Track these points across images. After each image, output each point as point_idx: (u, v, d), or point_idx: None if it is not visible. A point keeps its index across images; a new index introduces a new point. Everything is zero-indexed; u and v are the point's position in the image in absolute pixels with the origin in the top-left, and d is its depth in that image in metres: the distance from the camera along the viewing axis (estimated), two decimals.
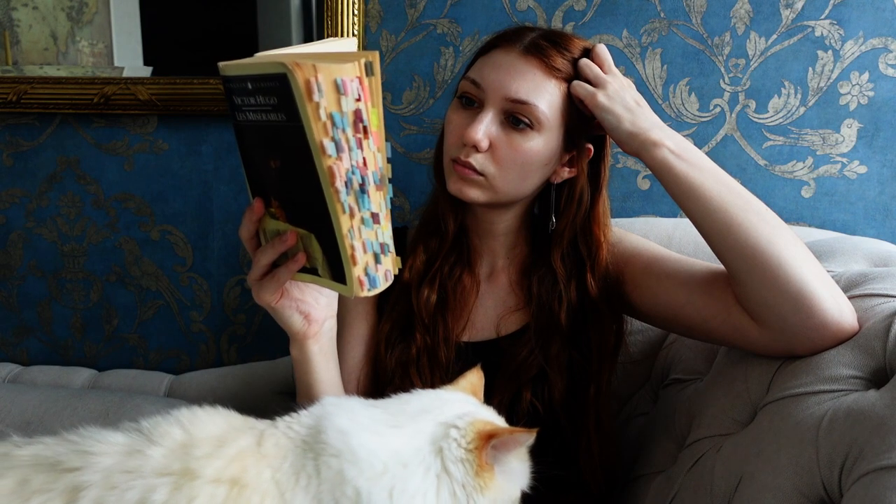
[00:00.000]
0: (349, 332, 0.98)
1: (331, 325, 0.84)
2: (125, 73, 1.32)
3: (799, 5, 1.15)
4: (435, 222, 0.96)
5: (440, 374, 0.92)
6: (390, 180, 0.67)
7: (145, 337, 1.43)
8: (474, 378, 0.76)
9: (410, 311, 0.94)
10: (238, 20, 1.31)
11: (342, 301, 1.00)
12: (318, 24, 1.25)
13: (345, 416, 0.64)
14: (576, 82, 0.85)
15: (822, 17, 1.15)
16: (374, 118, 0.63)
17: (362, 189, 0.64)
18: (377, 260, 0.68)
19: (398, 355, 0.93)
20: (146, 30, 1.31)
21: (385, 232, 0.68)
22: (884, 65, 1.15)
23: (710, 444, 0.81)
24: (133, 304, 1.42)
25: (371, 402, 0.69)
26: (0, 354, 1.48)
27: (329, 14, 1.23)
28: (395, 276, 0.71)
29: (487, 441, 0.61)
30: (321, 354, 0.83)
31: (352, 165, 0.62)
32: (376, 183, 0.65)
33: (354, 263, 0.66)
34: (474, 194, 0.88)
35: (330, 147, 0.60)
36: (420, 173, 1.27)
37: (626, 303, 0.94)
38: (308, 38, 1.28)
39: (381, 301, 0.98)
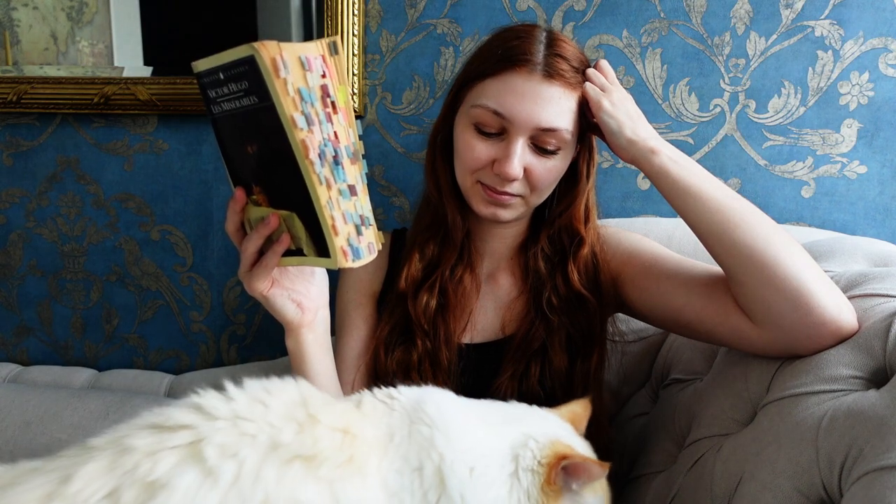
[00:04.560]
0: (348, 332, 0.98)
1: (324, 315, 0.85)
2: (125, 73, 1.32)
3: (799, 5, 1.15)
4: (433, 229, 0.96)
5: (442, 378, 0.92)
6: (364, 156, 0.70)
7: (145, 337, 1.43)
8: (578, 408, 0.77)
9: (408, 318, 0.94)
10: (238, 20, 1.31)
11: (343, 303, 1.01)
12: (318, 24, 1.25)
13: (444, 396, 0.70)
14: (588, 84, 0.86)
15: (822, 17, 1.15)
16: (342, 95, 0.67)
17: (336, 161, 0.67)
18: (358, 231, 0.71)
19: (399, 358, 0.93)
20: (146, 30, 1.31)
21: (364, 205, 0.71)
22: (884, 65, 1.15)
23: (710, 444, 0.81)
24: (133, 304, 1.42)
25: (467, 399, 0.73)
26: (0, 354, 1.48)
27: (329, 14, 1.23)
28: (378, 250, 0.74)
29: (559, 461, 0.63)
30: (316, 344, 0.84)
31: (324, 138, 0.65)
32: (350, 157, 0.68)
33: (336, 234, 0.68)
34: (509, 215, 0.90)
35: (300, 120, 0.63)
36: (420, 173, 1.26)
37: (626, 302, 0.95)
38: (308, 38, 1.28)
39: (381, 306, 0.99)
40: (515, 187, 0.87)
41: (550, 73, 0.83)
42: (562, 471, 0.63)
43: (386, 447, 0.63)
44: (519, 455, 0.64)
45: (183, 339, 1.42)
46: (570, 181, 0.94)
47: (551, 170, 0.87)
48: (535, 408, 0.74)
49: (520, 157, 0.84)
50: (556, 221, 0.95)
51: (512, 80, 0.83)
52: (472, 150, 0.87)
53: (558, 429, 0.70)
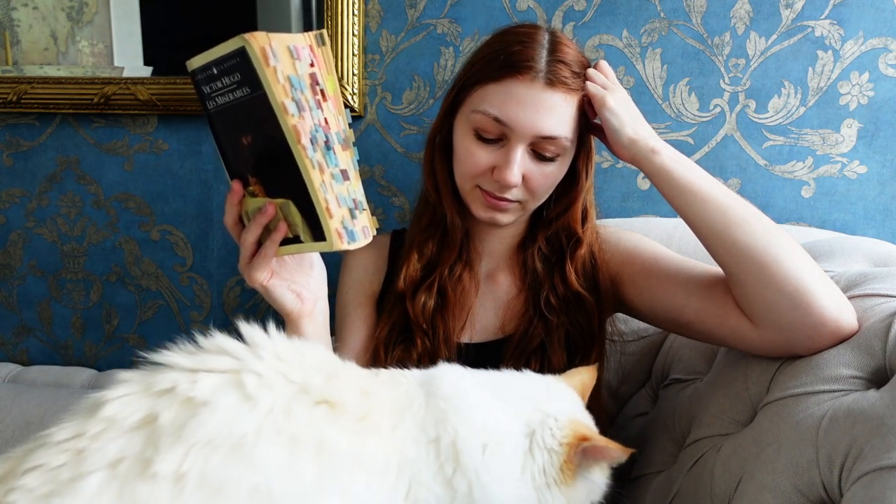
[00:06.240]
0: (348, 332, 0.98)
1: (323, 306, 0.86)
2: (125, 73, 1.32)
3: (799, 5, 1.15)
4: (431, 229, 0.97)
5: None
6: (354, 144, 0.72)
7: (145, 337, 1.43)
8: (586, 377, 0.77)
9: (407, 318, 0.94)
10: (238, 20, 1.31)
11: (342, 303, 1.01)
12: (318, 25, 1.25)
13: (458, 371, 0.70)
14: (589, 83, 0.85)
15: (822, 17, 1.15)
16: (331, 84, 0.69)
17: (328, 146, 0.69)
18: (353, 215, 0.72)
19: (398, 357, 0.93)
20: (146, 30, 1.31)
21: (357, 190, 0.73)
22: (884, 65, 1.15)
23: (710, 444, 0.81)
24: (133, 304, 1.42)
25: (481, 371, 0.72)
26: (0, 354, 1.48)
27: (329, 14, 1.23)
28: (373, 235, 0.75)
29: (580, 442, 0.63)
30: (316, 335, 0.84)
31: (314, 124, 0.67)
32: (341, 143, 0.70)
33: (330, 216, 0.70)
34: (507, 219, 0.91)
35: (291, 106, 0.65)
36: (420, 173, 1.27)
37: (625, 302, 0.95)
38: None
39: (381, 306, 0.99)
40: (514, 193, 0.87)
41: (552, 81, 0.83)
42: (581, 451, 0.63)
43: (403, 413, 0.63)
44: (535, 432, 0.64)
45: (183, 339, 1.42)
46: (569, 182, 0.94)
47: (549, 175, 0.88)
48: (548, 379, 0.73)
49: (519, 164, 0.84)
50: (554, 223, 0.96)
51: (514, 87, 0.82)
52: (472, 156, 0.87)
53: (572, 405, 0.70)
